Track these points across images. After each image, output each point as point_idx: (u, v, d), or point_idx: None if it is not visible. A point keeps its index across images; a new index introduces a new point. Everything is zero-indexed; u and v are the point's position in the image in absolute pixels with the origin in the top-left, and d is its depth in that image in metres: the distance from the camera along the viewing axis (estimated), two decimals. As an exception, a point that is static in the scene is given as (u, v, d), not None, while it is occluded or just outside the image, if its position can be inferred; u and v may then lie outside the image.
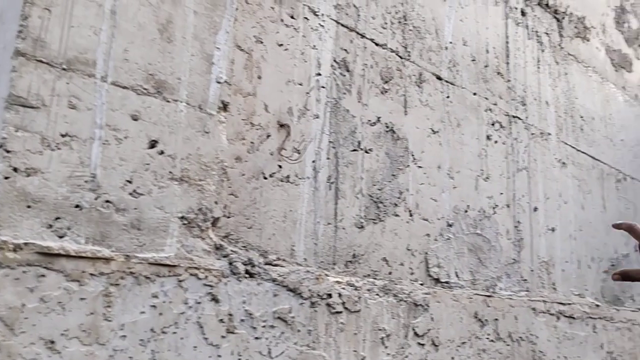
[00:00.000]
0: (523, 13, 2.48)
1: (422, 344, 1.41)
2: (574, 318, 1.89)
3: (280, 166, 1.43)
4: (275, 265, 1.24)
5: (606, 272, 2.83)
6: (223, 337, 1.06)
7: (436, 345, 1.44)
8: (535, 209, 2.38)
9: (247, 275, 1.11)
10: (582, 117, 2.83)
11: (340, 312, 1.25)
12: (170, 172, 1.02)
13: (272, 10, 1.46)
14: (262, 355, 1.10)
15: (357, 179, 1.63)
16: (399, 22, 1.84)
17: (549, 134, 2.55)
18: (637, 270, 1.50)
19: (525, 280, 2.24)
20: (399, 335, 1.37)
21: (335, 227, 1.55)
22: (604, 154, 2.97)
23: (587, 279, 2.70)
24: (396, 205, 1.75)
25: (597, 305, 2.18)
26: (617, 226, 1.60)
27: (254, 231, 1.36)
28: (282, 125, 1.44)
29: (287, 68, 1.48)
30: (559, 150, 2.60)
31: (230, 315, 1.08)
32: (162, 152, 1.01)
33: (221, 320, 1.07)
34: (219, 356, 1.04)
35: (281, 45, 1.47)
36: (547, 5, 2.64)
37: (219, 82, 1.24)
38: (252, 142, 1.37)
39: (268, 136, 1.41)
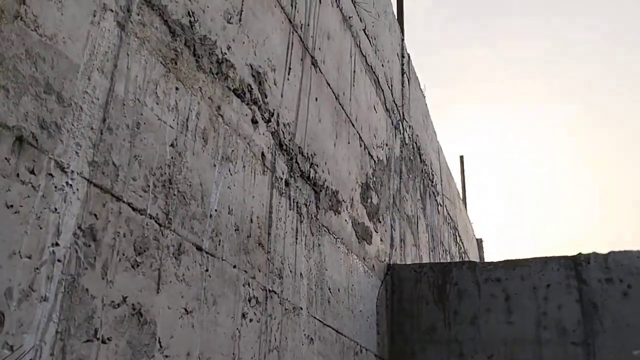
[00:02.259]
0: (287, 183, 2.48)
1: None
2: None
3: (-23, 373, 1.03)
4: None
5: None
6: None
7: None
8: (282, 392, 2.23)
9: None
10: (330, 289, 2.86)
11: None
12: None
13: (6, 162, 1.13)
14: None
15: (86, 380, 1.28)
16: (164, 185, 1.63)
17: (301, 308, 2.49)
18: None
19: None
20: None
21: None
22: (345, 327, 3.02)
23: None
24: (132, 407, 1.42)
25: None
26: None
27: None
28: (-9, 314, 1.06)
29: (15, 236, 1.13)
30: (308, 325, 2.55)
31: None
32: None
33: None
34: None
35: (11, 206, 1.13)
36: (308, 177, 2.71)
37: None
38: (-62, 342, 0.97)
39: (-34, 331, 1.02)
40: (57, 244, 1.24)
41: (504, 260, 3.75)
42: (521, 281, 3.61)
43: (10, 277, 1.12)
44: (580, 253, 3.58)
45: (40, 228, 1.20)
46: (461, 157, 11.96)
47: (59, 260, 1.24)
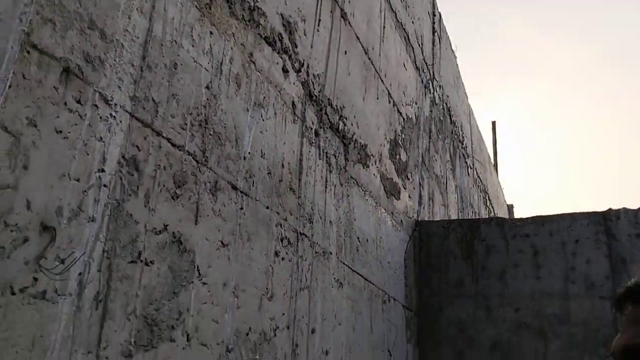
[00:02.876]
0: (317, 134, 2.54)
1: None
2: None
3: (35, 279, 1.13)
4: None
5: None
6: None
7: None
8: (313, 331, 2.32)
9: None
10: (358, 238, 2.94)
11: None
12: None
13: (55, 90, 1.21)
14: None
15: (131, 297, 1.38)
16: (200, 124, 1.71)
17: (330, 253, 2.57)
18: None
19: (298, 408, 2.12)
20: None
21: (96, 357, 1.27)
22: (374, 275, 3.10)
23: (353, 403, 2.68)
24: (173, 328, 1.52)
25: None
26: None
27: (-16, 366, 1.03)
28: (45, 228, 1.16)
29: (64, 160, 1.22)
30: (338, 270, 2.63)
31: None
32: None
33: None
34: None
35: (60, 132, 1.22)
36: (337, 129, 2.76)
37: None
38: (2, 247, 1.07)
39: (25, 240, 1.12)
40: (102, 170, 1.33)
41: (533, 217, 3.77)
42: (550, 237, 3.63)
43: (60, 196, 1.21)
44: (610, 209, 3.57)
45: (87, 154, 1.29)
46: (493, 123, 11.83)
47: (105, 186, 1.33)
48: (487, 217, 5.05)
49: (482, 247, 3.78)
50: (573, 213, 3.65)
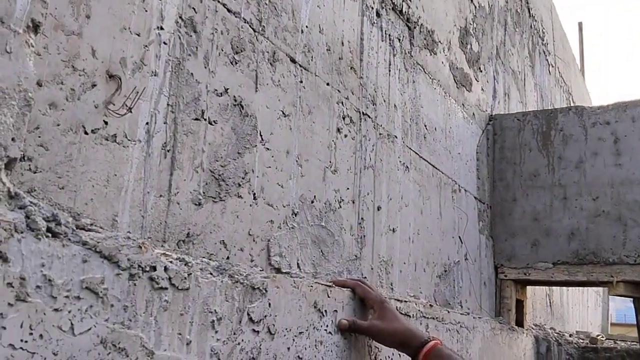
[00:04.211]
0: (378, 14, 2.50)
1: (257, 331, 1.28)
2: (409, 316, 1.87)
3: (106, 122, 1.23)
4: (89, 230, 1.04)
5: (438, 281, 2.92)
6: (11, 305, 0.84)
7: (272, 334, 1.32)
8: (379, 208, 2.38)
9: (48, 234, 0.90)
10: (425, 125, 2.92)
11: (166, 288, 1.07)
12: (-49, 92, 0.79)
13: (110, -57, 1.27)
14: (62, 330, 0.89)
15: (197, 151, 1.48)
16: (255, -7, 1.73)
17: (395, 136, 2.58)
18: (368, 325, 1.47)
19: (366, 277, 2.22)
20: (232, 319, 1.22)
21: (168, 201, 1.38)
22: (443, 164, 3.09)
23: (422, 282, 2.76)
24: (240, 185, 1.62)
25: (431, 306, 2.20)
26: (341, 284, 1.55)
27: (66, 193, 1.15)
28: (111, 77, 1.25)
29: (124, 13, 1.29)
30: (404, 154, 2.65)
31: (23, 279, 0.86)
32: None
33: (9, 284, 0.84)
34: (4, 327, 0.82)
35: (118, -15, 1.28)
36: (400, 12, 2.70)
37: None
38: (72, 89, 1.16)
39: (93, 85, 1.21)
40: (161, 28, 1.39)
41: (614, 103, 3.58)
42: (632, 123, 3.45)
43: (123, 48, 1.29)
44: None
45: (146, 11, 1.35)
46: (579, 24, 11.07)
47: (164, 43, 1.40)
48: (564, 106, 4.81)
49: (559, 137, 3.66)
50: (659, 97, 3.43)
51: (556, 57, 6.46)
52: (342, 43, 2.20)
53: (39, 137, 1.09)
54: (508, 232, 3.65)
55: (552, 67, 6.27)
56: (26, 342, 0.82)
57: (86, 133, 1.19)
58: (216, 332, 1.19)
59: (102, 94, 1.23)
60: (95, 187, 1.20)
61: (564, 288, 5.67)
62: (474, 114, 3.66)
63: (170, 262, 1.13)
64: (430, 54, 3.03)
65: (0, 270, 0.82)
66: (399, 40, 2.68)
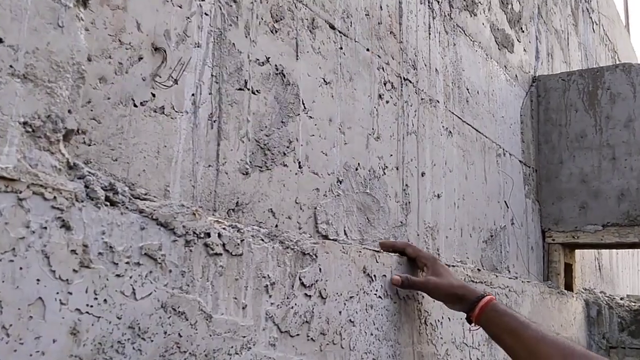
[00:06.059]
0: (416, -24, 2.44)
1: (309, 295, 1.30)
2: (458, 280, 1.85)
3: (153, 95, 1.25)
4: (144, 199, 1.07)
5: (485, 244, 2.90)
6: (75, 271, 0.86)
7: (323, 298, 1.33)
8: (423, 174, 2.37)
9: (107, 203, 0.92)
10: (467, 89, 2.87)
11: (220, 254, 1.09)
12: (11, 67, 0.81)
13: None
14: (125, 295, 0.92)
15: (242, 121, 1.49)
16: (292, -40, 1.72)
17: (438, 101, 2.54)
18: (423, 282, 1.50)
19: (412, 243, 2.21)
20: (285, 284, 1.24)
21: (216, 171, 1.40)
22: (486, 128, 3.04)
23: (469, 247, 2.74)
24: (285, 154, 1.63)
25: (479, 270, 2.18)
26: (390, 247, 1.59)
27: (120, 164, 1.18)
28: (157, 49, 1.26)
29: (165, -14, 1.30)
30: (446, 118, 2.61)
31: (86, 246, 0.89)
32: (0, 41, 0.80)
33: (73, 251, 0.87)
34: (70, 293, 0.84)
35: (158, -43, 1.29)
36: (438, -27, 2.64)
37: (79, -20, 1.04)
38: (120, 63, 1.18)
39: (140, 59, 1.22)
40: (202, -1, 1.39)
41: (666, 58, 3.43)
42: (685, 77, 3.31)
43: (166, 21, 1.30)
44: None
45: (186, -18, 1.36)
46: (624, -21, 10.61)
47: (206, 14, 1.40)
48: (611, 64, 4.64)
49: (606, 96, 3.54)
50: None
51: (600, 14, 6.22)
52: (381, 7, 2.16)
53: (91, 110, 1.12)
54: (555, 195, 3.58)
55: (596, 24, 6.05)
56: (91, 306, 0.85)
57: (135, 106, 1.21)
58: (270, 296, 1.21)
59: (149, 66, 1.24)
60: (147, 159, 1.22)
61: (613, 251, 5.55)
62: (516, 75, 3.57)
63: (224, 228, 1.15)
64: (470, 16, 2.96)
65: (64, 238, 0.84)
66: (438, 2, 2.62)
